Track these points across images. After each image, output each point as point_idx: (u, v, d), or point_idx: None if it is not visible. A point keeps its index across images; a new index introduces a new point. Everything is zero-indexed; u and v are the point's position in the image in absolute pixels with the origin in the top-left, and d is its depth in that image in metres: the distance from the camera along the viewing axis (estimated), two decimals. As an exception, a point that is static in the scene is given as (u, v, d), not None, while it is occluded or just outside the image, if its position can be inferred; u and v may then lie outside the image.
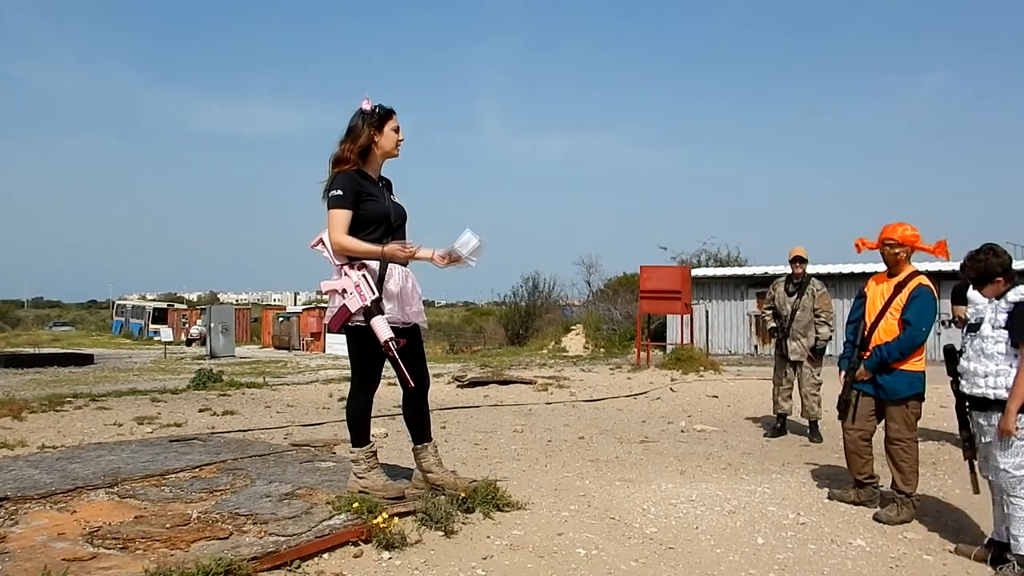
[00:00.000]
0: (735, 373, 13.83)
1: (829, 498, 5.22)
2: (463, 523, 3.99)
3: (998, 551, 4.15)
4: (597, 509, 4.57)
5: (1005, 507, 4.06)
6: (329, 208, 3.92)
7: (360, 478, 4.08)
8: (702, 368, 13.57)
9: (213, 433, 6.93)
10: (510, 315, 36.40)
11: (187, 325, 42.67)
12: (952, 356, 4.31)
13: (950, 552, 4.38)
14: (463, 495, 4.14)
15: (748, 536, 4.39)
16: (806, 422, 7.78)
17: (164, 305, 52.41)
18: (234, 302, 73.06)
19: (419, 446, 4.33)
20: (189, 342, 38.11)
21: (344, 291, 3.88)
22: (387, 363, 4.04)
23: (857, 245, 5.34)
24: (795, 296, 7.75)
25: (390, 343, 3.79)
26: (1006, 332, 3.98)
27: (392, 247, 3.93)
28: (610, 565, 3.78)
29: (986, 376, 3.99)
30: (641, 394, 11.04)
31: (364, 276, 3.88)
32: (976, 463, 4.37)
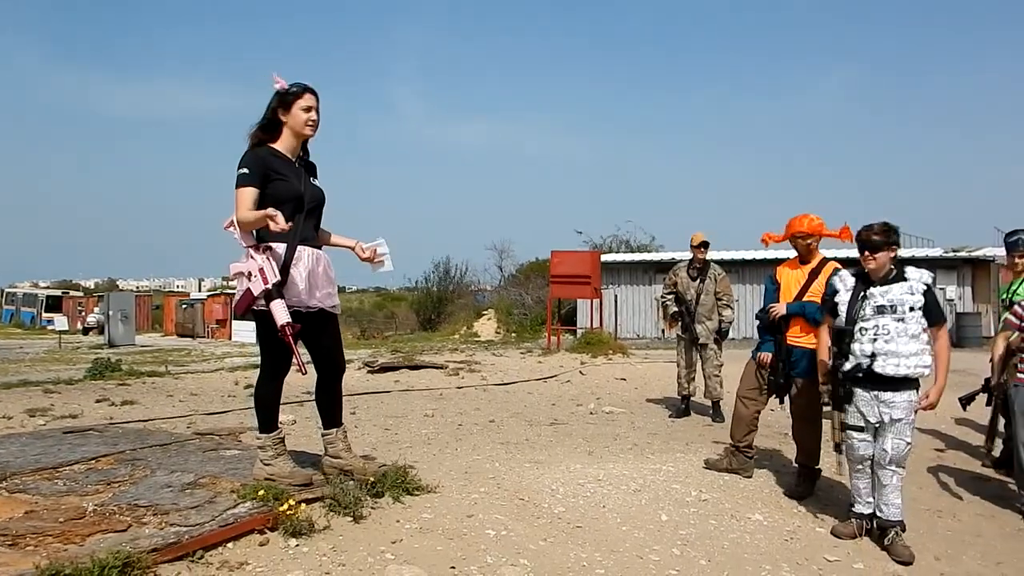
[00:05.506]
0: (643, 356, 14.14)
1: (705, 466, 5.49)
2: (372, 508, 3.97)
3: (871, 523, 4.40)
4: (507, 491, 4.62)
5: (885, 479, 4.29)
6: (236, 187, 3.82)
7: (266, 465, 4.01)
8: (611, 352, 13.84)
9: (111, 424, 6.65)
10: (422, 300, 36.29)
11: (83, 313, 40.93)
12: (843, 336, 4.33)
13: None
14: (372, 480, 4.12)
15: (653, 513, 4.52)
16: (709, 403, 8.05)
17: (59, 293, 50.01)
18: (134, 289, 70.24)
19: (329, 431, 4.29)
20: (86, 331, 36.53)
21: (249, 274, 3.80)
22: (306, 348, 3.96)
23: (764, 240, 5.52)
24: (698, 280, 7.98)
25: (286, 328, 3.73)
26: (921, 314, 4.19)
27: (265, 212, 3.66)
28: (519, 545, 3.83)
29: (909, 356, 4.17)
30: (551, 377, 11.18)
31: (268, 259, 3.80)
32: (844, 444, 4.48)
